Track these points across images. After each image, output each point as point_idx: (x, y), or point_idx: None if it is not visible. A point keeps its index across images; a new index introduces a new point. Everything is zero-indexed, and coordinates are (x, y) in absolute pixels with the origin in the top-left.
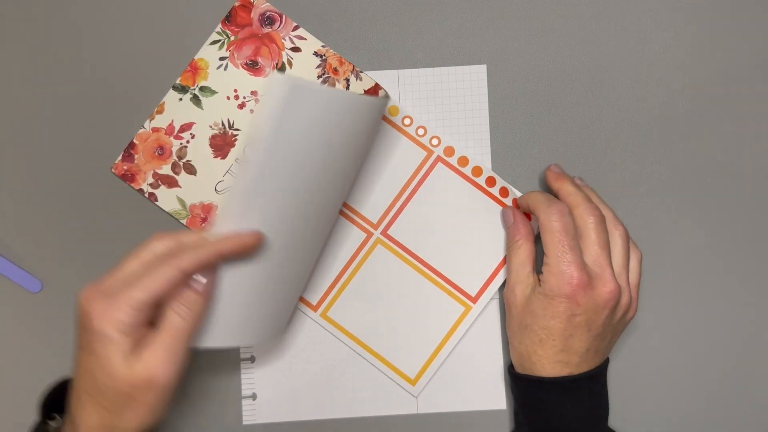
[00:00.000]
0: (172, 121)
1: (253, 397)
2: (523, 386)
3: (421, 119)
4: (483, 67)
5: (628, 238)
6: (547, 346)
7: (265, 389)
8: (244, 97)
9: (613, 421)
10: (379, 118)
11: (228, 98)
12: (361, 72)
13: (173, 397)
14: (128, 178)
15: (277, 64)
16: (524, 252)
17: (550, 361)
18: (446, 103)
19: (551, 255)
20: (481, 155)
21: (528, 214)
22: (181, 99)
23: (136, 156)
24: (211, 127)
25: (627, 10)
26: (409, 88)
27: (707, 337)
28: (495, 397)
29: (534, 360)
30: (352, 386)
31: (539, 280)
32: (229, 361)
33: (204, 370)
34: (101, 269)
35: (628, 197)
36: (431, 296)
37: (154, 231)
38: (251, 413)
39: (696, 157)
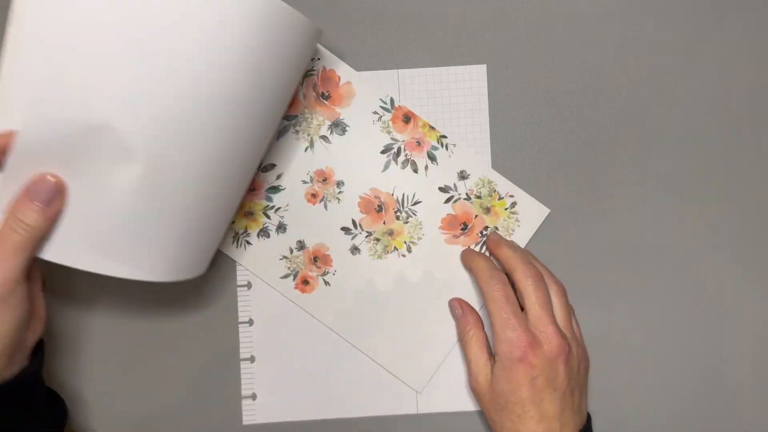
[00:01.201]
0: None
1: (253, 397)
2: None
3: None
4: (483, 67)
5: (565, 294)
6: (525, 420)
7: (265, 389)
8: None
9: (616, 423)
10: (306, 50)
11: None
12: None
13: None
14: None
15: None
16: (477, 340)
17: None
18: (446, 103)
19: (496, 324)
20: (481, 155)
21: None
22: None
23: None
24: None
25: (627, 10)
26: (409, 88)
27: (708, 335)
28: None
29: None
30: (352, 386)
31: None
32: (229, 361)
33: (204, 370)
34: None
35: (628, 197)
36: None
37: None
38: (251, 413)
39: (696, 156)
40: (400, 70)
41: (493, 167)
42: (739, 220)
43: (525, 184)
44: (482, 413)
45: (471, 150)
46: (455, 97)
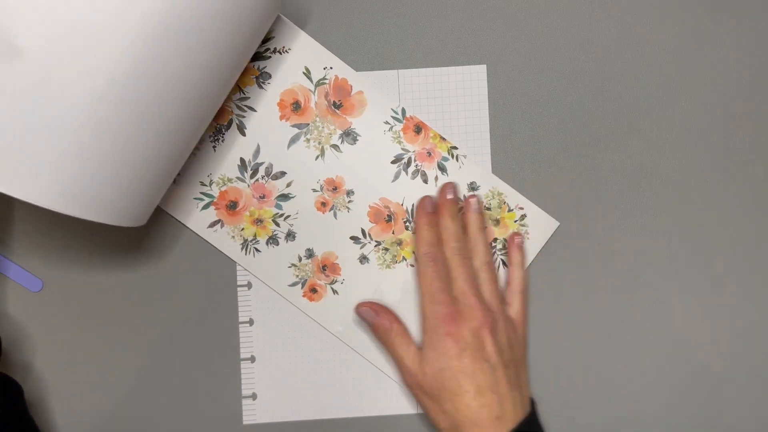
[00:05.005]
0: None
1: (253, 397)
2: None
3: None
4: (483, 67)
5: (492, 267)
6: (462, 395)
7: (265, 389)
8: None
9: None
10: (267, 4)
11: None
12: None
13: None
14: None
15: None
16: (402, 334)
17: (474, 408)
18: (446, 103)
19: (424, 297)
20: (481, 155)
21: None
22: None
23: None
24: None
25: (627, 10)
26: (409, 88)
27: (707, 335)
28: None
29: (461, 418)
30: (352, 386)
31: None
32: (229, 361)
33: (204, 370)
34: (102, 268)
35: (628, 197)
36: None
37: (154, 229)
38: (251, 413)
39: (696, 157)
40: (400, 71)
41: (492, 167)
42: (740, 221)
43: (525, 184)
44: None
45: (477, 157)
46: (455, 97)
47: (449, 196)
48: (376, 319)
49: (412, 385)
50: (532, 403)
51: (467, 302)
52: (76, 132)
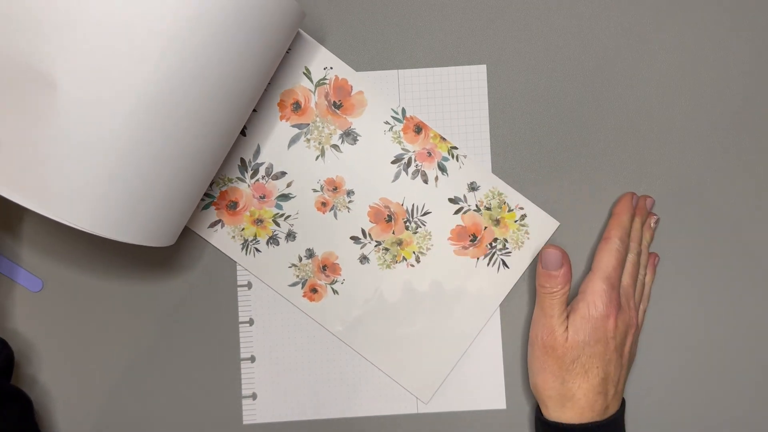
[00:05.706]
0: None
1: (253, 397)
2: None
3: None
4: (483, 67)
5: (650, 286)
6: (591, 376)
7: (265, 389)
8: None
9: None
10: (288, 27)
11: None
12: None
13: None
14: None
15: None
16: (564, 298)
17: (595, 392)
18: (446, 103)
19: (600, 269)
20: (481, 155)
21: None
22: None
23: None
24: None
25: (627, 10)
26: (409, 88)
27: (707, 337)
28: (495, 397)
29: (579, 395)
30: (352, 386)
31: (570, 310)
32: (229, 361)
33: (204, 369)
34: (102, 268)
35: None
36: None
37: None
38: (251, 413)
39: (696, 157)
40: (400, 71)
41: (493, 167)
42: (740, 220)
43: (525, 184)
44: (526, 375)
45: (477, 157)
46: (455, 97)
47: (649, 207)
48: (555, 271)
49: (547, 344)
50: (623, 402)
51: (627, 298)
52: (109, 156)
